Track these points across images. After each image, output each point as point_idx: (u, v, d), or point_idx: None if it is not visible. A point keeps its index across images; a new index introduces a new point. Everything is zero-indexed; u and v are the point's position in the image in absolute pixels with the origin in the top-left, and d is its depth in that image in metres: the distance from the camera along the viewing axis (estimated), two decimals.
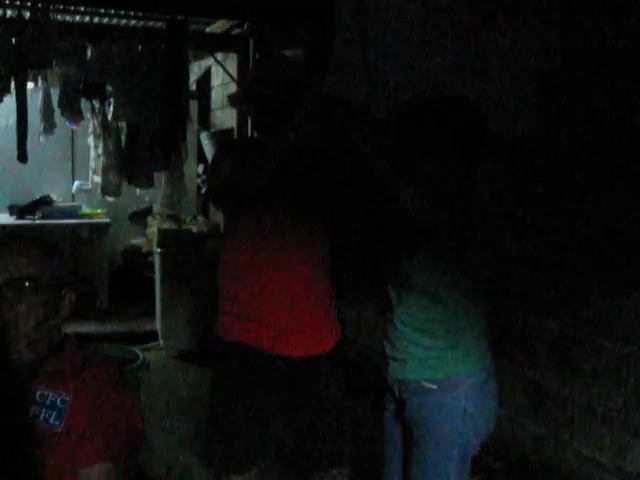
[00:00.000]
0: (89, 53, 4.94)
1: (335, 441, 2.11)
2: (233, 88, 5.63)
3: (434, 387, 1.82)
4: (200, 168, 6.47)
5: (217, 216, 6.32)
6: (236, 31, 5.38)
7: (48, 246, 1.44)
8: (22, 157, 4.75)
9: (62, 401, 1.34)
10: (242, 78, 5.40)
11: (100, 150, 5.42)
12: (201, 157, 6.30)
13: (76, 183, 6.18)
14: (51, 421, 1.32)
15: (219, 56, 5.66)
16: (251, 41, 5.26)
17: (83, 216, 5.88)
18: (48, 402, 1.33)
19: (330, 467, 2.12)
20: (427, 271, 1.80)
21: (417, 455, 1.86)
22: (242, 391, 2.03)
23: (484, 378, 1.86)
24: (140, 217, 6.38)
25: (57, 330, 1.43)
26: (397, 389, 1.92)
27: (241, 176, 1.91)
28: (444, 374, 1.82)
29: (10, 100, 4.73)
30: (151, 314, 5.20)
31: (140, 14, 5.09)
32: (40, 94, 5.17)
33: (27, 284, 1.33)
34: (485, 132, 1.81)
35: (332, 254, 2.16)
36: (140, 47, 5.05)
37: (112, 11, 5.01)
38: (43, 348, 1.39)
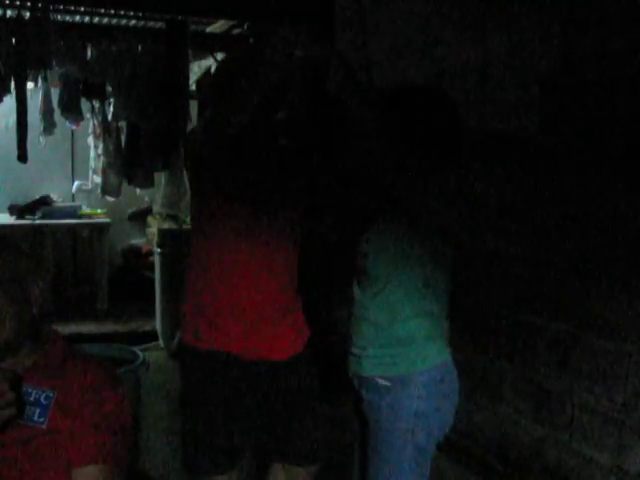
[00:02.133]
0: (89, 53, 4.94)
1: (308, 438, 2.08)
2: None
3: (388, 384, 1.81)
4: None
5: None
6: (236, 31, 5.38)
7: None
8: (22, 157, 4.75)
9: (46, 397, 1.31)
10: None
11: (100, 150, 5.42)
12: None
13: (76, 183, 6.18)
14: (35, 418, 1.29)
15: (219, 56, 5.65)
16: (251, 41, 5.25)
17: (83, 216, 5.89)
18: (32, 399, 1.30)
19: (302, 463, 2.09)
20: (383, 256, 1.78)
21: (372, 452, 1.85)
22: (221, 396, 1.96)
23: (440, 376, 1.83)
24: (140, 217, 6.39)
25: (35, 324, 1.38)
26: (356, 384, 1.90)
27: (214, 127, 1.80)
28: (397, 372, 1.81)
29: (10, 100, 4.73)
30: (151, 314, 5.20)
31: (140, 14, 5.09)
32: (40, 94, 5.17)
33: None
34: (457, 128, 1.83)
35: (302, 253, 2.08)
36: (140, 47, 5.05)
37: (112, 11, 5.01)
38: (23, 344, 1.34)
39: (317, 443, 2.09)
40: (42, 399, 1.30)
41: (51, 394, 1.31)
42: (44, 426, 1.29)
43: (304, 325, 2.09)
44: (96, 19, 5.23)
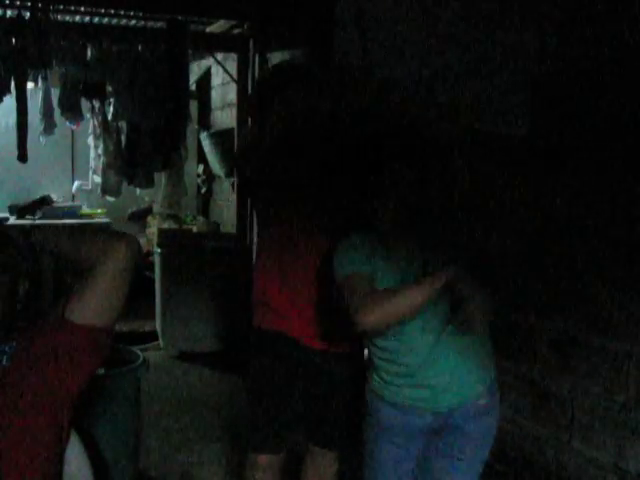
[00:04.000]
0: (89, 53, 4.95)
1: (336, 426, 2.37)
2: (233, 88, 5.63)
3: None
4: (200, 168, 6.48)
5: (217, 216, 6.32)
6: (236, 31, 5.39)
7: None
8: (22, 157, 4.75)
9: (10, 347, 1.46)
10: (241, 78, 5.41)
11: (100, 150, 5.42)
12: (201, 157, 6.30)
13: (76, 183, 6.18)
14: (3, 362, 1.44)
15: (219, 56, 5.66)
16: (251, 41, 5.26)
17: (83, 216, 5.89)
18: None
19: (328, 446, 2.40)
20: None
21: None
22: (275, 377, 2.30)
23: None
24: (140, 217, 6.39)
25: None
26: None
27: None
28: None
29: (10, 100, 4.73)
30: (151, 314, 5.20)
31: (140, 14, 5.09)
32: (40, 94, 5.16)
33: None
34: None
35: None
36: (140, 47, 5.05)
37: (112, 11, 5.01)
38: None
39: (344, 431, 2.38)
40: (6, 348, 1.46)
41: (13, 343, 1.47)
42: (12, 367, 1.43)
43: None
44: (96, 19, 5.24)
